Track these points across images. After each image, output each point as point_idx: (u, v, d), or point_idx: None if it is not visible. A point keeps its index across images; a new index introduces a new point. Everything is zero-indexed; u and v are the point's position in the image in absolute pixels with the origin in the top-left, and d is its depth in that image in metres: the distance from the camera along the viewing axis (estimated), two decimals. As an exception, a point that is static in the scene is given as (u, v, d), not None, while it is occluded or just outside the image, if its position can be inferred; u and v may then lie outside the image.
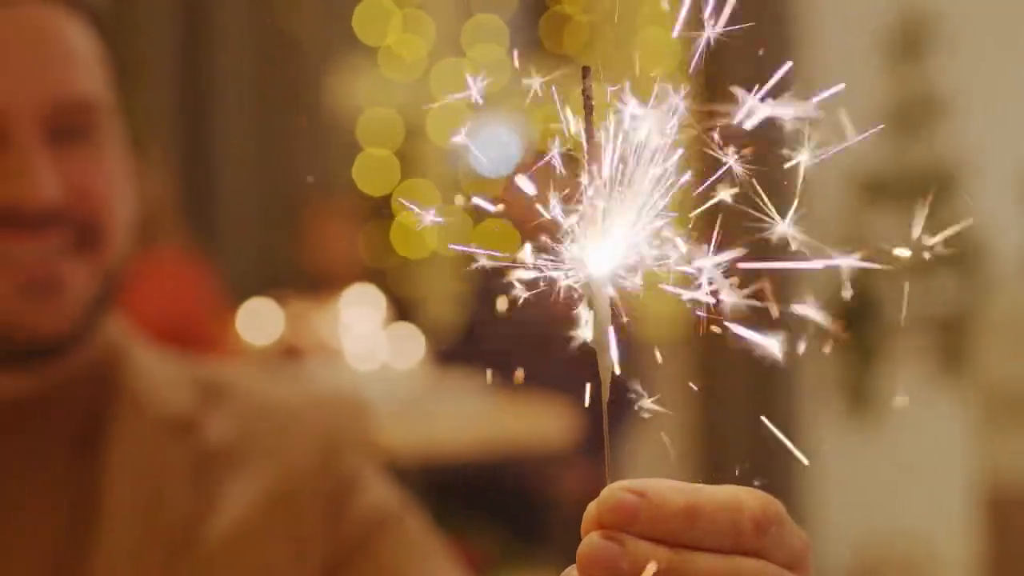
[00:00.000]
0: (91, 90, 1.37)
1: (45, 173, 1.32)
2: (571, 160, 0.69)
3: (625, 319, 0.69)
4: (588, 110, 0.68)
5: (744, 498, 0.66)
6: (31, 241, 1.33)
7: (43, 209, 1.31)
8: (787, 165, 0.69)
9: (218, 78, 6.22)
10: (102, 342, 1.45)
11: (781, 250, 0.69)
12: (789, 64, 0.66)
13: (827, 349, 0.70)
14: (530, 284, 0.70)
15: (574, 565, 0.66)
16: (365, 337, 5.40)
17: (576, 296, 0.69)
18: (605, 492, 0.66)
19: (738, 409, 6.28)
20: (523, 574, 4.98)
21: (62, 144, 1.34)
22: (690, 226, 0.69)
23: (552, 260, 0.70)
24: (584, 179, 0.69)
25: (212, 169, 6.16)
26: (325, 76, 6.41)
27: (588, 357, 0.70)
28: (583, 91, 0.68)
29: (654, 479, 0.66)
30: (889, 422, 6.40)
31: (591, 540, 0.66)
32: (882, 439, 6.37)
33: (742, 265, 0.68)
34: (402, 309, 5.71)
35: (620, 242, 0.69)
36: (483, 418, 4.93)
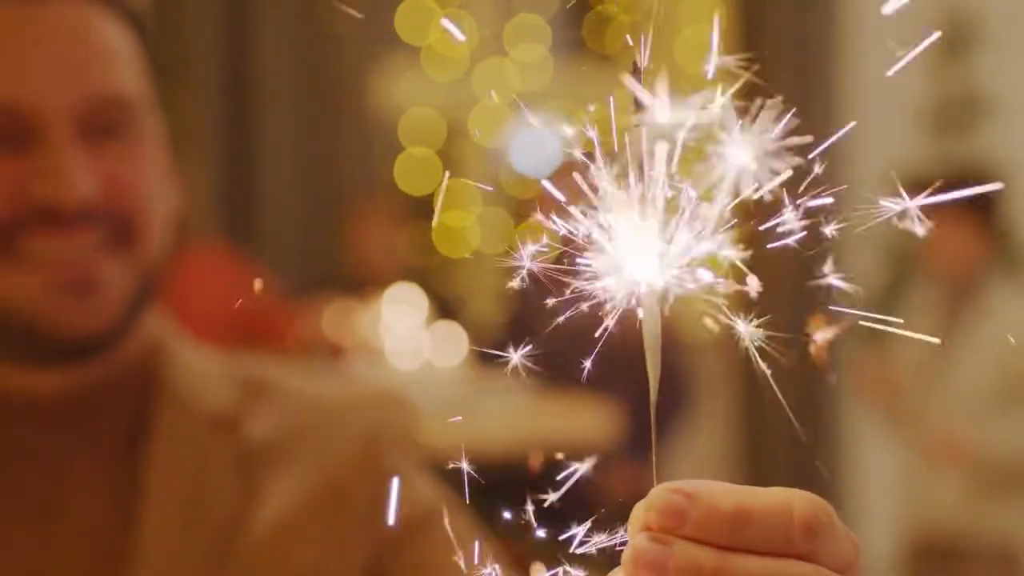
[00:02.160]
0: (126, 87, 1.38)
1: (80, 171, 1.32)
2: (615, 161, 0.68)
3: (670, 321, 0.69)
4: (637, 108, 0.68)
5: (794, 501, 0.65)
6: (67, 239, 1.33)
7: (79, 207, 1.32)
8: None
9: (261, 78, 6.23)
10: (144, 339, 1.46)
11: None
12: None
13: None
14: (578, 288, 0.69)
15: (620, 567, 0.66)
16: (407, 336, 5.41)
17: (623, 299, 0.69)
18: (653, 493, 0.65)
19: (781, 409, 6.24)
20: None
21: (97, 142, 1.34)
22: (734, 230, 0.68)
23: (600, 263, 0.69)
24: (631, 181, 0.68)
25: (255, 169, 6.18)
26: (367, 76, 6.41)
27: (635, 357, 0.70)
28: (632, 89, 0.67)
29: (703, 480, 0.66)
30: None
31: (638, 542, 0.65)
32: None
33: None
34: (444, 308, 5.71)
35: (670, 246, 0.68)
36: (525, 417, 4.92)
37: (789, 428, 6.02)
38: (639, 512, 0.66)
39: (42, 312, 1.33)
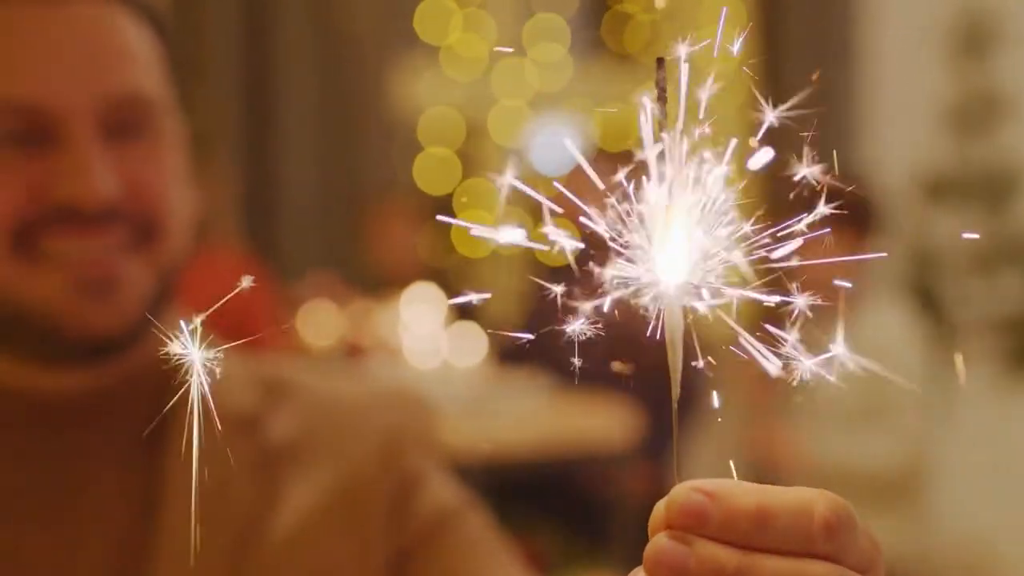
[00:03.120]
0: (147, 87, 1.38)
1: (102, 170, 1.32)
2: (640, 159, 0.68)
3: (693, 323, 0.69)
4: (662, 102, 0.67)
5: (815, 500, 0.65)
6: (88, 239, 1.33)
7: (100, 206, 1.32)
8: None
9: (280, 78, 6.24)
10: (163, 339, 1.46)
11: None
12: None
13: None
14: (600, 290, 0.69)
15: (641, 567, 0.66)
16: (426, 336, 5.41)
17: (643, 300, 0.69)
18: (674, 492, 0.65)
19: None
20: (585, 574, 4.98)
21: (118, 141, 1.35)
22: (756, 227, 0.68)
23: (622, 263, 0.69)
24: (655, 179, 0.68)
25: (274, 168, 6.19)
26: (386, 75, 6.42)
27: (655, 357, 0.69)
28: (657, 83, 0.67)
29: (724, 480, 0.66)
30: (956, 423, 6.35)
31: (659, 541, 0.65)
32: (948, 440, 6.32)
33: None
34: (463, 308, 5.71)
35: (692, 247, 0.68)
36: (545, 417, 4.92)
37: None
38: (660, 511, 0.66)
39: (63, 312, 1.34)
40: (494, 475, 4.25)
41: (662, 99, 0.67)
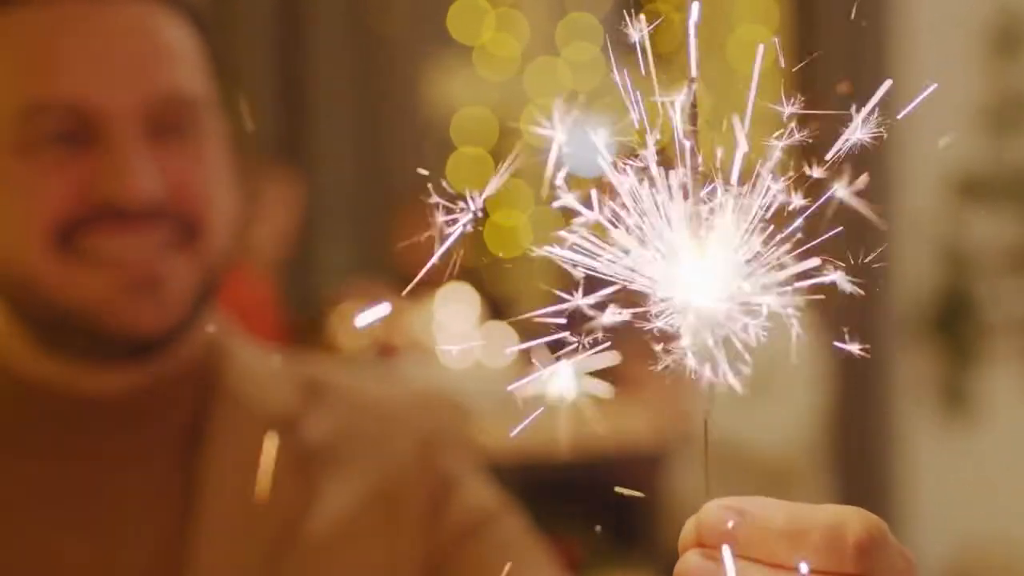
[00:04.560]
0: (190, 86, 1.38)
1: (145, 169, 1.33)
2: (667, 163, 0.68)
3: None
4: (693, 120, 0.67)
5: (847, 518, 0.65)
6: (132, 237, 1.34)
7: (144, 205, 1.33)
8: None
9: (313, 78, 6.25)
10: (204, 339, 1.46)
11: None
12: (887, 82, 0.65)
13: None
14: (630, 299, 0.69)
15: None
16: (459, 335, 5.41)
17: (673, 314, 0.68)
18: (704, 510, 0.65)
19: (833, 414, 6.22)
20: (618, 574, 4.97)
21: (162, 140, 1.35)
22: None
23: (653, 270, 0.68)
24: (688, 193, 0.68)
25: (308, 168, 6.19)
26: (420, 75, 6.42)
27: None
28: (690, 104, 0.67)
29: (755, 497, 0.65)
30: (986, 425, 6.32)
31: (689, 558, 0.65)
32: (979, 442, 6.29)
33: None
34: (496, 307, 5.70)
35: (722, 263, 0.68)
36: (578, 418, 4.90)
37: (842, 430, 5.99)
38: (690, 529, 0.66)
39: (106, 311, 1.34)
40: (527, 474, 4.25)
41: (693, 117, 0.67)
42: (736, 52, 5.69)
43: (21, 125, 1.32)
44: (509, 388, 0.70)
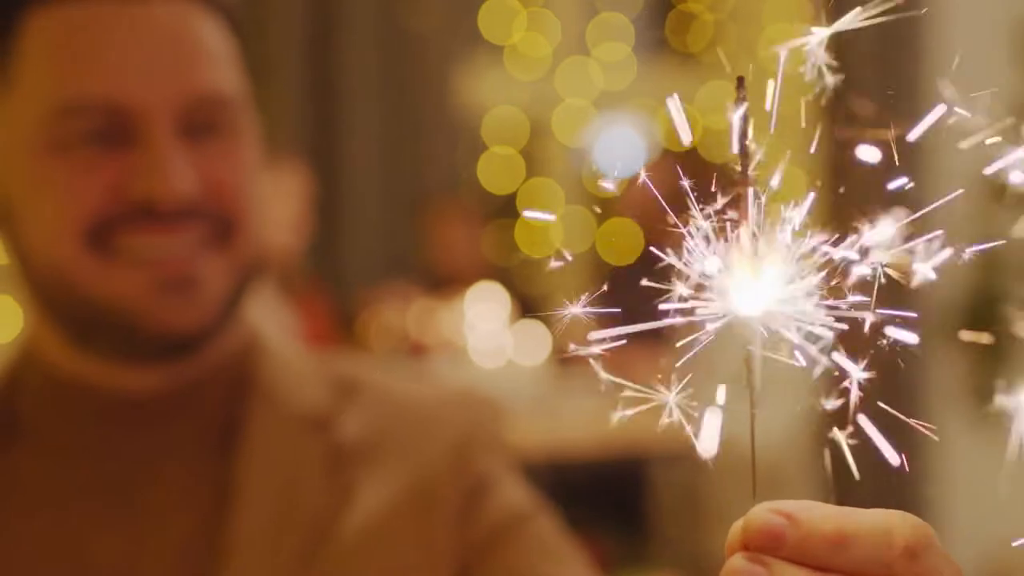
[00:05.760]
0: (224, 85, 1.39)
1: (180, 168, 1.33)
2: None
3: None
4: (743, 123, 0.67)
5: (894, 523, 0.64)
6: (168, 236, 1.34)
7: (179, 204, 1.33)
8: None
9: (345, 77, 6.26)
10: (238, 338, 1.47)
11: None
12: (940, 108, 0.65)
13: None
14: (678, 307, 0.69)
15: None
16: (490, 335, 5.42)
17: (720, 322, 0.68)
18: (751, 513, 0.65)
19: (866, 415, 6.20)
20: (646, 574, 4.97)
21: (197, 139, 1.35)
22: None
23: (700, 282, 0.68)
24: (736, 205, 0.67)
25: (338, 167, 6.20)
26: (450, 75, 6.43)
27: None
28: (737, 102, 0.66)
29: (802, 501, 0.65)
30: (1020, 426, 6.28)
31: (735, 562, 0.65)
32: (1012, 444, 6.26)
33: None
34: (527, 306, 5.71)
35: (772, 277, 0.67)
36: (610, 416, 4.90)
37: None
38: (736, 532, 0.66)
39: (142, 309, 1.34)
40: (558, 474, 4.25)
41: (744, 120, 0.66)
42: (767, 51, 5.67)
43: (57, 124, 1.33)
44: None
